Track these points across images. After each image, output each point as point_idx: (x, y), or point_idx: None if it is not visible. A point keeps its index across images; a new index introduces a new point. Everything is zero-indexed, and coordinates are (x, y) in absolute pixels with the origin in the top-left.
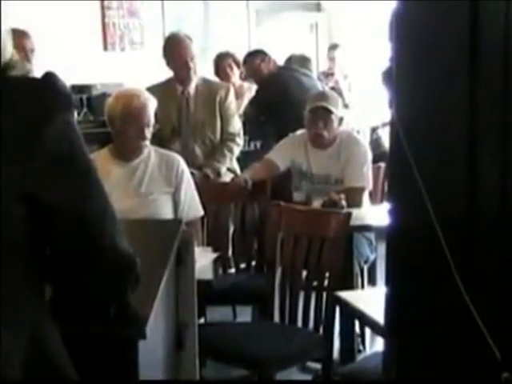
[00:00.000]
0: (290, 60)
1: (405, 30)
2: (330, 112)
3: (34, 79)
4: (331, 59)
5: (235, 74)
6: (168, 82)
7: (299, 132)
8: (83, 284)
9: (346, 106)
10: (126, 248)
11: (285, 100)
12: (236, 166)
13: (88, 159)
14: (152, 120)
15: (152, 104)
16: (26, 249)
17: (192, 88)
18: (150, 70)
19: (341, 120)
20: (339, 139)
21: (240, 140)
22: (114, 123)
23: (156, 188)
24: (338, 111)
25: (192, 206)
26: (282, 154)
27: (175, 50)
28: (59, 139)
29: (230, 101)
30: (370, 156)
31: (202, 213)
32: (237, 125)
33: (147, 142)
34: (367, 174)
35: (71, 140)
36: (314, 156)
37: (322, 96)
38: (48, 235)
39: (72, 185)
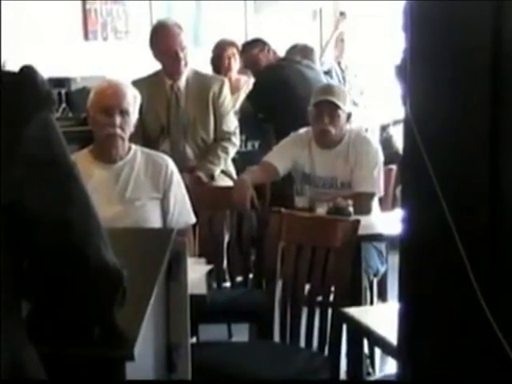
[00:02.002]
0: (291, 51)
1: (421, 19)
2: (336, 106)
3: (10, 74)
4: (341, 40)
5: (235, 66)
6: (156, 75)
7: (302, 130)
8: (64, 300)
9: (354, 103)
10: (112, 260)
11: (286, 95)
12: (231, 169)
13: (70, 162)
14: (130, 110)
15: (132, 94)
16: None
17: (182, 82)
18: (136, 61)
19: (349, 116)
20: (347, 138)
21: (236, 139)
22: (89, 114)
23: (142, 193)
24: (345, 106)
25: (183, 212)
26: (283, 156)
27: (163, 39)
28: (38, 141)
29: (224, 96)
30: (381, 158)
31: (193, 220)
32: (232, 123)
33: (118, 131)
34: (378, 179)
35: (51, 141)
36: (318, 156)
37: (328, 89)
38: (26, 247)
39: (52, 191)
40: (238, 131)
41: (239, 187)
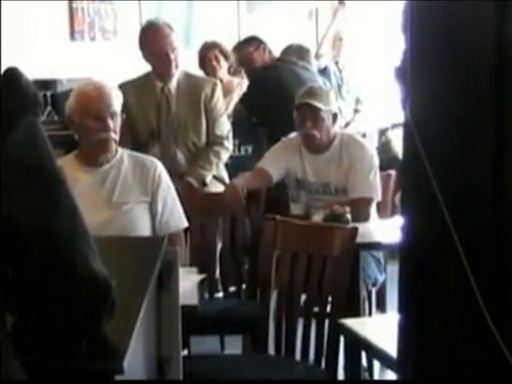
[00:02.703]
0: (286, 51)
1: (421, 19)
2: (317, 109)
3: None
4: (339, 39)
5: (223, 68)
6: (145, 77)
7: (293, 134)
8: (51, 311)
9: (356, 110)
10: (100, 270)
11: (281, 98)
12: (224, 174)
13: (56, 167)
14: (118, 112)
15: (115, 94)
16: None
17: (173, 84)
18: (125, 63)
19: (335, 117)
20: (339, 141)
21: (228, 144)
22: (73, 121)
23: (130, 196)
24: (330, 106)
25: (173, 215)
26: (275, 162)
27: (153, 40)
28: (24, 145)
29: (216, 98)
30: (376, 161)
31: (185, 224)
32: (225, 126)
33: (112, 135)
34: (374, 183)
35: (37, 145)
36: (309, 161)
37: (309, 92)
38: (11, 255)
39: (38, 197)
40: (230, 135)
41: (230, 191)
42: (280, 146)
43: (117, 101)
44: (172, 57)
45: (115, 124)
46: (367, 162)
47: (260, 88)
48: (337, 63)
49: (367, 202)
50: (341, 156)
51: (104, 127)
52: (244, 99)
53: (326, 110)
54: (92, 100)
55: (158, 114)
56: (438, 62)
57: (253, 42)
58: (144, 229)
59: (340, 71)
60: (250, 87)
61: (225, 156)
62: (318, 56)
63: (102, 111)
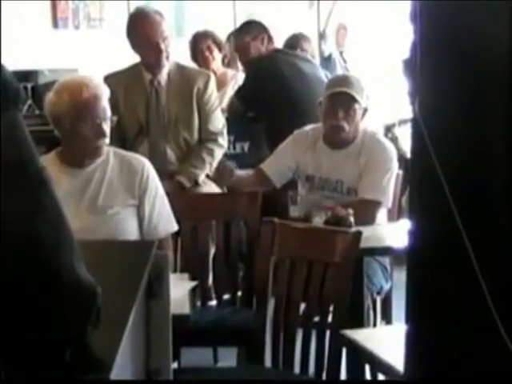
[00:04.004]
0: (286, 42)
1: (431, 8)
2: (354, 100)
3: None
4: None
5: (216, 59)
6: (133, 68)
7: (308, 127)
8: (33, 320)
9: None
10: (86, 276)
11: (281, 91)
12: None
13: (40, 166)
14: (109, 112)
15: (105, 92)
16: None
17: (163, 76)
18: (112, 53)
19: (365, 112)
20: (361, 139)
21: (223, 141)
22: (62, 123)
23: (116, 200)
24: (362, 100)
25: (162, 219)
26: (280, 165)
27: (143, 28)
28: (4, 143)
29: (210, 92)
30: (395, 166)
31: (175, 228)
32: (219, 122)
33: (107, 140)
34: (387, 187)
35: (20, 143)
36: (325, 156)
37: (345, 80)
38: None
39: (21, 199)
40: (225, 131)
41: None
42: (290, 140)
43: (107, 99)
44: (163, 47)
45: (108, 125)
46: (385, 163)
47: (258, 80)
48: (341, 53)
49: (374, 205)
50: (359, 154)
51: (99, 133)
52: (240, 92)
53: (360, 101)
54: (87, 104)
55: (146, 108)
56: (450, 54)
57: (252, 28)
58: (131, 234)
59: (345, 61)
60: (246, 79)
61: (219, 154)
62: (322, 37)
63: (97, 117)
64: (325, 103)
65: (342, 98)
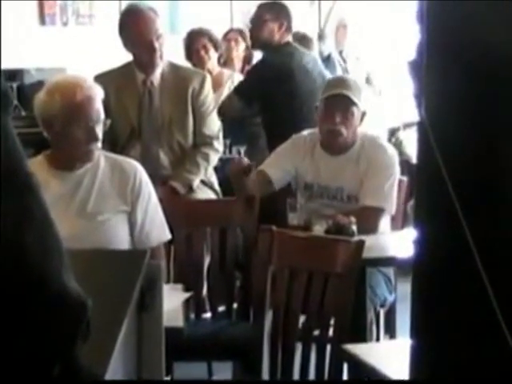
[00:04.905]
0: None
1: (439, 7)
2: (351, 102)
3: None
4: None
5: (212, 58)
6: (125, 67)
7: (306, 132)
8: (19, 334)
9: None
10: (74, 288)
11: (286, 89)
12: (213, 179)
13: (28, 171)
14: (102, 115)
15: (99, 93)
16: None
17: (157, 76)
18: (102, 51)
19: (363, 115)
20: (360, 143)
21: (218, 144)
22: (53, 125)
23: (107, 205)
24: (360, 103)
25: (154, 227)
26: (280, 165)
27: (136, 26)
28: None
29: (206, 93)
30: (397, 171)
31: (168, 237)
32: (214, 125)
33: (99, 145)
34: (390, 193)
35: (7, 147)
36: (323, 162)
37: (341, 81)
38: None
39: (7, 206)
40: (221, 135)
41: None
42: (288, 144)
43: (100, 101)
44: (157, 45)
45: (100, 130)
46: (387, 168)
47: (268, 76)
48: (341, 53)
49: (377, 212)
50: (359, 159)
51: (91, 137)
52: (243, 87)
53: (358, 104)
54: (81, 106)
55: (139, 110)
56: (458, 54)
57: (276, 9)
58: (122, 242)
59: (345, 61)
60: (253, 72)
61: (214, 158)
62: (321, 37)
63: (91, 120)
64: (321, 107)
65: (338, 101)
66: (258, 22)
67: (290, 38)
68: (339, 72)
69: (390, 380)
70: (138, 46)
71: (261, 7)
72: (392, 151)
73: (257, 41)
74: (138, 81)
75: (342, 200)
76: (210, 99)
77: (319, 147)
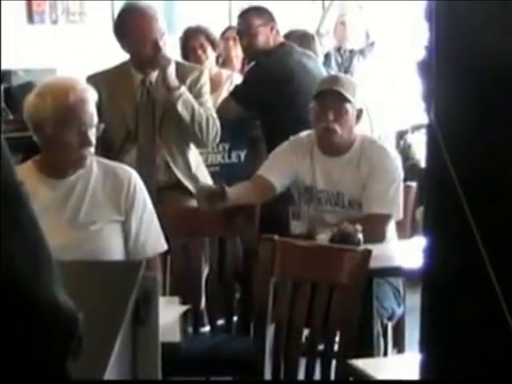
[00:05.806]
0: (288, 38)
1: (449, 5)
2: (344, 99)
3: None
4: (341, 23)
5: (210, 58)
6: (120, 68)
7: (303, 133)
8: (8, 350)
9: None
10: (65, 301)
11: (287, 91)
12: (200, 173)
13: (17, 180)
14: (95, 119)
15: (92, 96)
16: None
17: (155, 75)
18: (93, 51)
19: (359, 113)
20: (359, 145)
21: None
22: (44, 129)
23: (100, 214)
24: (355, 100)
25: (150, 237)
26: (279, 168)
27: (139, 26)
28: None
29: (202, 83)
30: (401, 174)
31: (164, 247)
32: (211, 109)
33: (92, 150)
34: (395, 198)
35: None
36: (321, 165)
37: (334, 79)
38: None
39: None
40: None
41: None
42: (286, 147)
43: (94, 104)
44: (161, 44)
45: (93, 135)
46: (390, 172)
47: (267, 76)
48: (339, 50)
49: (384, 219)
50: (359, 162)
51: (84, 142)
52: (240, 91)
53: (352, 101)
54: (73, 109)
55: (136, 111)
56: (469, 55)
57: (263, 14)
58: (116, 253)
59: (342, 58)
60: (251, 76)
61: (216, 122)
62: (318, 34)
63: (83, 123)
64: (313, 105)
65: (331, 98)
66: (249, 30)
67: (281, 39)
68: (335, 70)
69: (390, 380)
70: (141, 45)
71: (247, 15)
72: (394, 154)
73: (253, 51)
74: (135, 81)
75: (343, 206)
76: (207, 90)
77: (316, 148)
